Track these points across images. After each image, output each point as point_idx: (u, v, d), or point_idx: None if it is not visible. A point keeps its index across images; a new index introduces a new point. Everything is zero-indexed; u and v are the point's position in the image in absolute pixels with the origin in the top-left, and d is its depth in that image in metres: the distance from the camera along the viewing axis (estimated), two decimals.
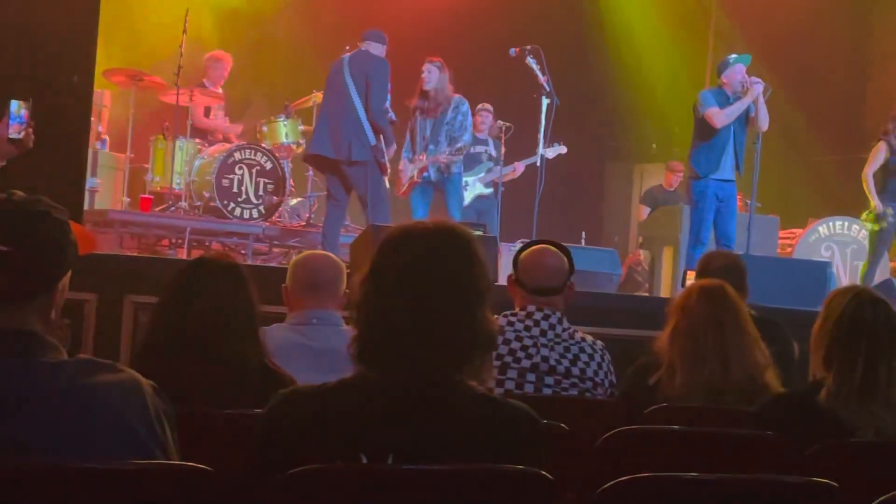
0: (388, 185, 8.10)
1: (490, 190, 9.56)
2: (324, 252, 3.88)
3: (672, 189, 11.56)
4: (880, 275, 8.93)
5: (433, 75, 8.27)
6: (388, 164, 7.97)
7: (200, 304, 2.85)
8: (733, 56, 8.38)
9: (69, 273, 2.06)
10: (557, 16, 12.07)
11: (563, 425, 2.78)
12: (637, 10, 12.46)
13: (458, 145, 8.29)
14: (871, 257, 9.00)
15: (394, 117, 8.11)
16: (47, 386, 1.88)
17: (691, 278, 6.55)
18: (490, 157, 9.40)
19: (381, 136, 7.91)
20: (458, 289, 2.08)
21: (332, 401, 2.08)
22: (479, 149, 9.39)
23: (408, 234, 2.13)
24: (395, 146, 8.22)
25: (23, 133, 4.25)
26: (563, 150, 9.53)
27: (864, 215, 9.02)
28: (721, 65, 8.40)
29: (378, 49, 8.09)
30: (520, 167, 9.75)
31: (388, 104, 8.02)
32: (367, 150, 7.85)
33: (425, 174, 8.37)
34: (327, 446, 2.01)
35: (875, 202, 8.82)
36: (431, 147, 8.41)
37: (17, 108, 4.23)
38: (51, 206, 2.04)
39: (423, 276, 2.06)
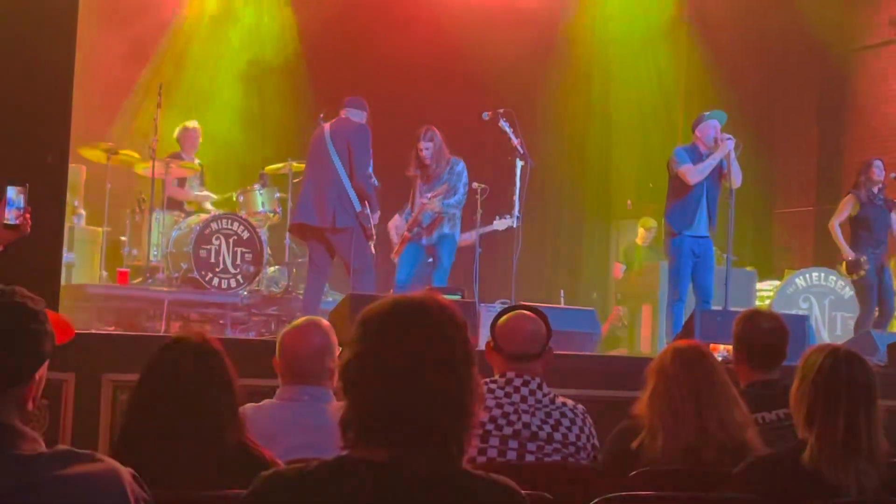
0: (373, 251, 8.10)
1: None
2: (314, 321, 3.79)
3: (646, 245, 11.63)
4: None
5: (430, 151, 8.29)
6: (373, 231, 7.98)
7: (175, 386, 2.83)
8: (707, 112, 8.50)
9: (46, 363, 2.05)
10: (531, 77, 12.19)
11: (547, 495, 2.77)
12: (611, 68, 12.60)
13: (448, 195, 8.21)
14: (863, 308, 9.06)
15: (377, 183, 8.14)
16: (24, 480, 1.87)
17: (716, 351, 6.55)
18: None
19: (366, 202, 7.94)
20: (445, 364, 2.08)
21: (317, 482, 2.06)
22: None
23: (388, 311, 2.13)
24: (379, 212, 8.23)
25: (20, 219, 4.29)
26: (512, 222, 9.51)
27: (839, 267, 9.11)
28: (696, 121, 8.51)
29: (359, 116, 8.14)
30: (474, 236, 9.65)
31: (370, 170, 8.05)
32: (351, 217, 7.88)
33: (416, 229, 8.34)
34: None
35: (846, 251, 8.93)
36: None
37: (14, 193, 4.28)
38: (26, 297, 2.04)
39: (408, 354, 2.06)
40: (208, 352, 2.91)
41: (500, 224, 9.04)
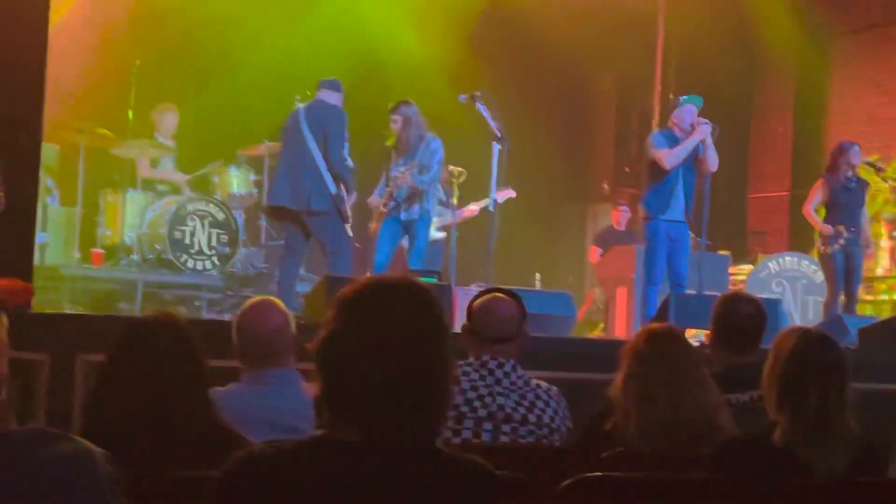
0: (350, 233, 8.07)
1: (442, 234, 9.58)
2: (268, 300, 3.78)
3: (622, 229, 11.66)
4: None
5: (397, 124, 8.24)
6: (349, 213, 7.96)
7: (143, 366, 2.82)
8: (684, 97, 8.53)
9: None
10: (505, 58, 12.18)
11: (521, 475, 2.78)
12: (585, 53, 12.60)
13: (422, 172, 8.17)
14: (830, 289, 9.10)
15: (352, 165, 8.11)
16: None
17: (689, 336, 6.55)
18: (441, 202, 9.41)
19: (342, 184, 7.91)
20: (419, 343, 2.08)
21: (292, 462, 2.06)
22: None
23: (363, 291, 2.13)
24: (355, 194, 8.20)
25: None
26: (512, 194, 9.69)
27: (814, 249, 9.17)
28: (673, 105, 8.58)
29: (334, 98, 8.10)
30: (475, 209, 9.83)
31: (346, 152, 8.02)
32: (327, 200, 7.84)
33: (391, 203, 8.30)
34: None
35: (824, 228, 8.98)
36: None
37: None
38: None
39: (383, 334, 2.06)
40: (175, 331, 2.89)
41: (501, 196, 9.07)
